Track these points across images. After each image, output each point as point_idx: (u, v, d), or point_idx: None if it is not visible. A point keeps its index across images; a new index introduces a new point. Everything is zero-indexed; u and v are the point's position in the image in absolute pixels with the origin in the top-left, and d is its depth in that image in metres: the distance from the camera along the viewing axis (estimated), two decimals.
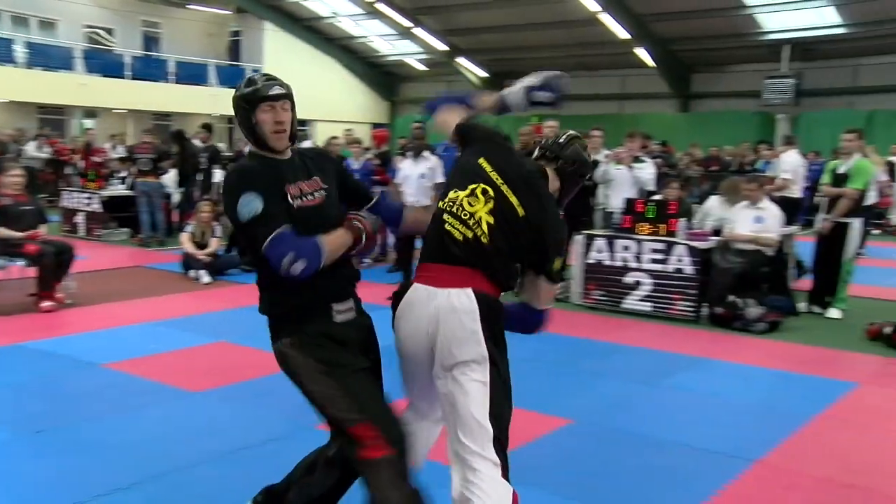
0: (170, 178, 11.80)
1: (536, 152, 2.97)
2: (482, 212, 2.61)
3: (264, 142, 2.59)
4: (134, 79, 23.44)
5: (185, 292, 7.95)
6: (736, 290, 6.91)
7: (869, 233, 12.83)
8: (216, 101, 24.09)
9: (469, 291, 2.52)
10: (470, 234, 2.59)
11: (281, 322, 2.67)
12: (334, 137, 11.72)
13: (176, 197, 11.93)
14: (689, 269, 7.02)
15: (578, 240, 7.68)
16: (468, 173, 2.71)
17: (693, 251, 7.01)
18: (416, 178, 8.54)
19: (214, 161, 11.12)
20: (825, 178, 7.61)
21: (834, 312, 7.29)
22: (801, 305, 7.44)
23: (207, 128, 11.67)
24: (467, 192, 2.65)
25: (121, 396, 4.69)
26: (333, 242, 2.49)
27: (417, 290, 2.57)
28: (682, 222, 7.28)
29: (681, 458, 3.95)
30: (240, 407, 4.59)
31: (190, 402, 4.66)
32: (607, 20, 20.41)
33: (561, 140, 2.96)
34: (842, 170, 7.28)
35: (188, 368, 5.35)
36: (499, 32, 23.83)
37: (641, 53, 21.94)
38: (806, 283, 7.79)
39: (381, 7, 23.43)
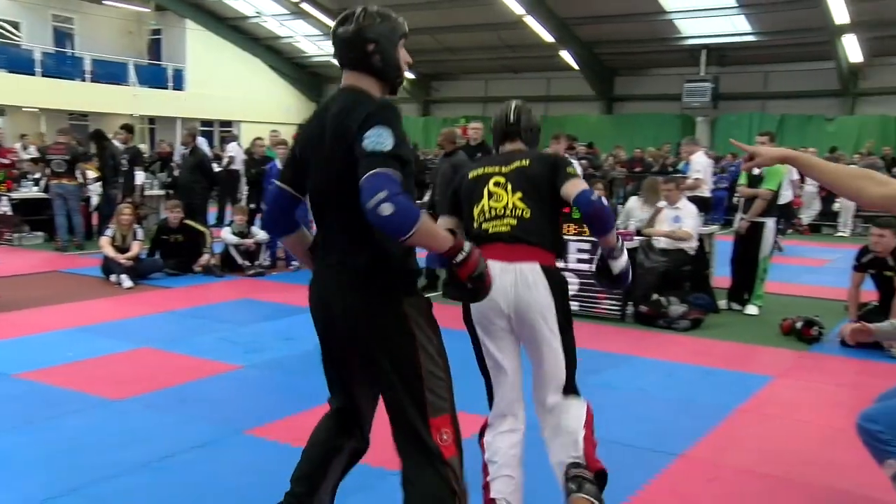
0: (90, 180, 11.40)
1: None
2: (512, 199, 3.02)
3: (399, 79, 2.59)
4: (45, 76, 22.48)
5: (106, 297, 7.69)
6: (660, 289, 7.10)
7: (784, 231, 13.35)
8: (136, 101, 23.39)
9: (536, 266, 2.92)
10: (514, 221, 2.98)
11: (400, 281, 2.39)
12: (259, 138, 11.55)
13: (95, 199, 11.54)
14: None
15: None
16: (470, 189, 3.13)
17: None
18: None
19: (136, 162, 10.80)
20: (741, 180, 7.89)
21: (751, 309, 7.56)
22: (722, 303, 7.70)
23: (128, 128, 11.34)
24: (485, 197, 3.06)
25: (35, 407, 4.50)
26: (432, 229, 2.23)
27: (492, 266, 2.47)
28: None
29: (607, 454, 4.00)
30: (164, 414, 4.46)
31: (111, 411, 4.50)
32: (532, 23, 20.69)
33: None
34: (756, 171, 7.56)
35: (109, 376, 5.17)
36: (426, 34, 23.85)
37: (566, 56, 22.33)
38: (726, 280, 8.06)
39: (307, 7, 23.17)
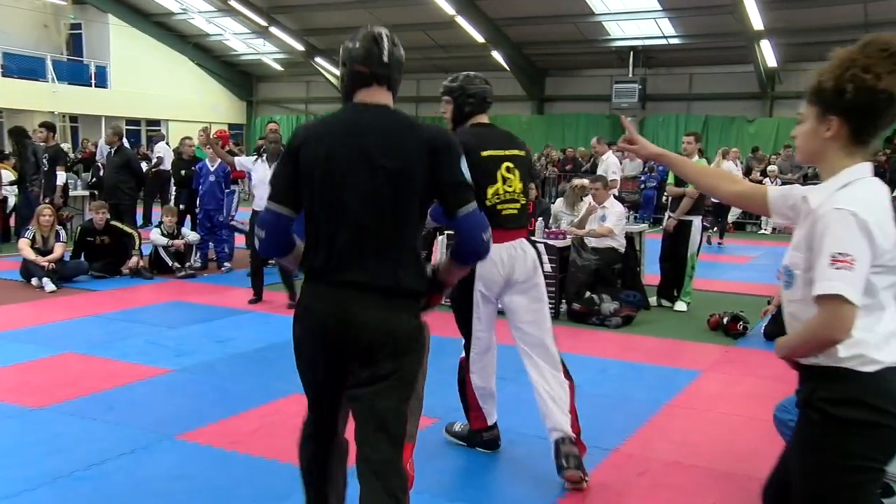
0: (6, 178, 10.94)
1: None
2: (519, 186, 3.74)
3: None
4: None
5: (26, 302, 7.40)
6: (592, 287, 7.23)
7: (710, 229, 13.75)
8: (56, 98, 22.52)
9: (524, 241, 3.78)
10: (519, 206, 3.73)
11: (418, 301, 2.49)
12: (188, 137, 11.27)
13: (12, 200, 11.08)
14: (547, 266, 7.24)
15: (441, 240, 7.78)
16: (482, 169, 3.50)
17: (551, 249, 7.26)
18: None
19: (57, 162, 10.39)
20: (670, 179, 8.10)
21: (680, 305, 7.77)
22: (652, 300, 7.88)
23: (49, 126, 10.88)
24: (500, 180, 3.67)
25: None
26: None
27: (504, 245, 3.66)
28: (539, 222, 7.52)
29: (542, 451, 4.07)
30: (90, 421, 4.32)
31: (31, 420, 4.34)
32: (463, 23, 20.79)
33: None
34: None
35: (29, 383, 4.98)
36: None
37: (497, 57, 22.52)
38: (656, 278, 8.26)
39: (235, 5, 22.74)
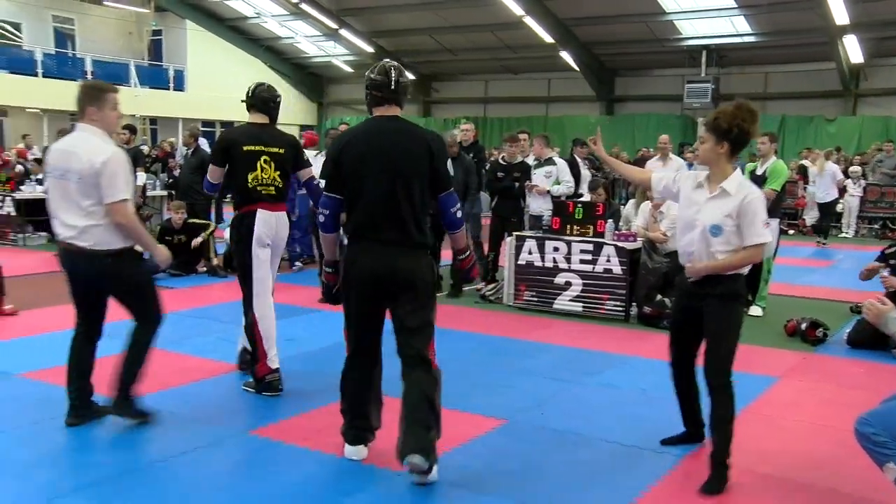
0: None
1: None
2: (273, 174, 4.90)
3: None
4: (46, 77, 22.49)
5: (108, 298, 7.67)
6: (663, 290, 7.09)
7: (825, 232, 13.50)
8: (137, 101, 23.37)
9: (283, 214, 5.03)
10: (274, 189, 4.87)
11: (430, 251, 3.74)
12: None
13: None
14: (617, 269, 7.17)
15: (509, 241, 7.76)
16: (243, 160, 4.83)
17: (621, 252, 7.16)
18: None
19: (137, 163, 10.77)
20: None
21: (755, 310, 7.55)
22: None
23: (131, 129, 11.28)
24: (258, 169, 4.83)
25: (39, 408, 4.49)
26: (465, 232, 3.95)
27: None
28: (609, 223, 7.43)
29: (611, 455, 4.03)
30: (170, 414, 4.45)
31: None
32: (532, 24, 20.69)
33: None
34: (759, 171, 7.56)
35: (111, 376, 5.16)
36: (425, 35, 23.87)
37: (566, 57, 22.33)
38: None
39: (306, 8, 23.16)
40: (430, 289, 3.63)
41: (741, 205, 3.57)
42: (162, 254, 4.33)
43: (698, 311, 3.76)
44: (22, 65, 22.35)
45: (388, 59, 3.75)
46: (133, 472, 3.66)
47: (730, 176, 3.65)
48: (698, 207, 3.69)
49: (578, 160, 10.17)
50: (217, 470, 3.78)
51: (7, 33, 23.66)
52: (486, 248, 8.83)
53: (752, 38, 20.24)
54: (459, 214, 3.71)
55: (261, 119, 4.94)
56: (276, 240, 4.92)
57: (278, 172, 4.84)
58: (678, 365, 4.07)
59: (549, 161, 8.60)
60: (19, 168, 13.89)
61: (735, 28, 19.99)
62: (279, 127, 5.07)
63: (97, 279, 4.12)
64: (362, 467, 3.76)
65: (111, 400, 4.19)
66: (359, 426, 3.77)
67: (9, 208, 11.51)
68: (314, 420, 4.42)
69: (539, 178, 8.44)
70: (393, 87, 3.62)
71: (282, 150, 4.86)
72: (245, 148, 4.73)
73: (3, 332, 6.32)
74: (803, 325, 6.56)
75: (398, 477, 3.66)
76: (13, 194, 11.67)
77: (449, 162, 3.74)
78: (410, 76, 27.13)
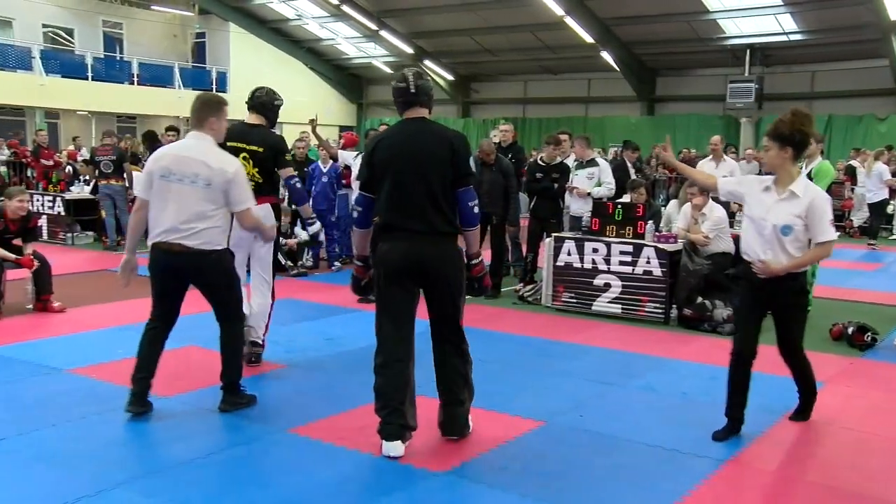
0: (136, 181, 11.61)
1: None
2: (252, 170, 5.33)
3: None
4: (95, 80, 23.03)
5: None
6: (704, 292, 7.00)
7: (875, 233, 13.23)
8: (181, 103, 23.79)
9: (269, 206, 5.50)
10: (254, 183, 5.06)
11: (452, 238, 3.95)
12: (300, 139, 11.64)
13: None
14: (657, 271, 7.09)
15: (548, 242, 7.72)
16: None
17: (661, 253, 7.08)
18: None
19: None
20: None
21: None
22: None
23: (175, 130, 11.49)
24: None
25: (87, 402, 4.60)
26: (479, 232, 4.11)
27: None
28: (649, 225, 7.35)
29: (650, 459, 3.99)
30: (210, 411, 4.53)
31: (159, 407, 4.58)
32: (572, 24, 20.57)
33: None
34: (804, 172, 7.42)
35: (156, 373, 5.26)
36: (465, 35, 23.89)
37: (606, 57, 22.15)
38: None
39: (347, 10, 23.34)
40: (458, 274, 3.93)
41: (809, 205, 3.96)
42: (271, 229, 5.00)
43: (767, 305, 4.20)
44: (74, 69, 22.95)
45: (408, 67, 4.16)
46: (175, 467, 3.73)
47: (796, 179, 4.06)
48: (767, 209, 4.05)
49: (628, 163, 10.04)
50: (256, 467, 3.83)
51: (61, 39, 24.30)
52: (524, 249, 8.81)
53: (799, 36, 19.85)
54: (476, 210, 3.91)
55: (257, 120, 5.50)
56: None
57: (257, 169, 5.32)
58: (742, 355, 4.25)
59: (592, 162, 8.54)
60: (69, 169, 14.23)
61: (781, 26, 19.62)
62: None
63: (197, 275, 4.37)
64: (400, 466, 3.78)
65: (222, 397, 4.54)
66: (394, 422, 3.85)
67: (59, 208, 11.81)
68: (352, 419, 4.45)
69: (581, 179, 8.39)
70: (413, 90, 3.88)
71: (261, 149, 5.32)
72: (228, 144, 5.10)
73: (53, 329, 6.48)
74: (850, 330, 6.41)
75: (435, 477, 3.67)
76: (63, 195, 11.96)
77: (472, 162, 3.97)
78: (449, 76, 27.30)
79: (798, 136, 4.01)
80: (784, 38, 20.06)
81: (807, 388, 4.51)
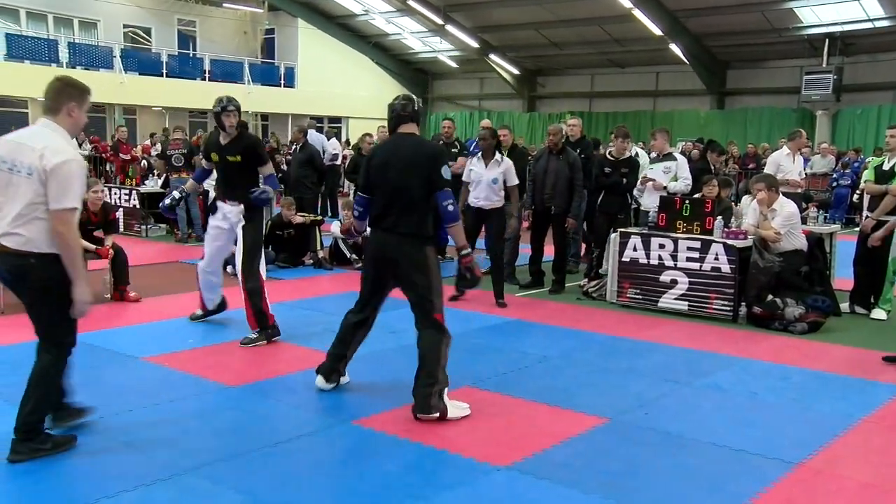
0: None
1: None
2: None
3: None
4: (170, 77, 23.75)
5: (223, 288, 8.01)
6: (774, 290, 6.80)
7: None
8: (250, 98, 24.33)
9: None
10: None
11: (430, 240, 4.49)
12: (368, 134, 11.77)
13: (212, 193, 12.04)
14: (726, 267, 6.93)
15: (613, 238, 7.62)
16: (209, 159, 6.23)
17: (730, 250, 6.91)
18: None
19: None
20: (868, 175, 7.45)
21: (878, 313, 7.13)
22: (844, 306, 7.30)
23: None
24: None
25: (160, 390, 4.76)
26: (460, 229, 4.57)
27: None
28: (718, 221, 7.18)
29: (716, 459, 3.90)
30: (275, 401, 4.63)
31: (225, 396, 4.71)
32: (640, 16, 20.20)
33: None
34: (886, 167, 7.13)
35: (225, 363, 5.42)
36: (531, 29, 23.71)
37: (675, 49, 21.69)
38: (847, 282, 7.63)
39: (414, 4, 23.45)
40: (417, 270, 4.40)
41: None
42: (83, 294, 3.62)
43: None
44: (150, 66, 23.70)
45: (403, 93, 4.92)
46: (242, 455, 3.82)
47: None
48: None
49: (713, 167, 9.68)
50: (320, 457, 3.89)
51: (139, 38, 25.15)
52: (581, 245, 8.71)
53: (886, 23, 18.92)
54: (451, 208, 4.40)
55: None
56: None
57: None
58: None
59: (669, 156, 8.39)
60: (143, 163, 14.70)
61: (866, 12, 18.78)
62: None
63: (16, 282, 3.72)
64: (462, 460, 3.79)
65: (12, 444, 3.67)
66: (326, 363, 4.78)
67: (134, 201, 12.22)
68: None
69: (657, 172, 8.23)
70: (403, 112, 4.58)
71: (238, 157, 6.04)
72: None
73: (129, 318, 6.72)
74: None
75: (497, 471, 3.67)
76: (138, 188, 12.37)
77: (446, 169, 4.42)
78: (515, 71, 27.12)
79: None
80: (869, 24, 19.20)
81: None
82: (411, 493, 3.45)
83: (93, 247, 7.20)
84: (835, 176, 15.84)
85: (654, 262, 7.28)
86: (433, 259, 4.47)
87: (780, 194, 7.21)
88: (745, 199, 8.13)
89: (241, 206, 5.92)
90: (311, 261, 9.53)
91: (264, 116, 26.77)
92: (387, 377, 5.20)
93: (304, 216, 9.66)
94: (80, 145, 16.76)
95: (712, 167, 9.49)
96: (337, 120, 27.94)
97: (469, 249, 4.58)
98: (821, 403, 4.83)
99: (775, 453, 3.96)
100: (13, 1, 22.32)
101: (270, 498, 3.37)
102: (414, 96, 4.77)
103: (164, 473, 3.55)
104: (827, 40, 20.04)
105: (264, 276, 6.02)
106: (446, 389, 4.39)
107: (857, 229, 7.50)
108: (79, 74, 21.58)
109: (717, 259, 6.97)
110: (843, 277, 7.83)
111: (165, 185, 12.11)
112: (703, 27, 21.26)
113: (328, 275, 9.12)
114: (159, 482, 3.47)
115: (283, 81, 26.72)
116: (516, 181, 7.55)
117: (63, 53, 21.93)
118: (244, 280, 5.88)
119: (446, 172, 4.42)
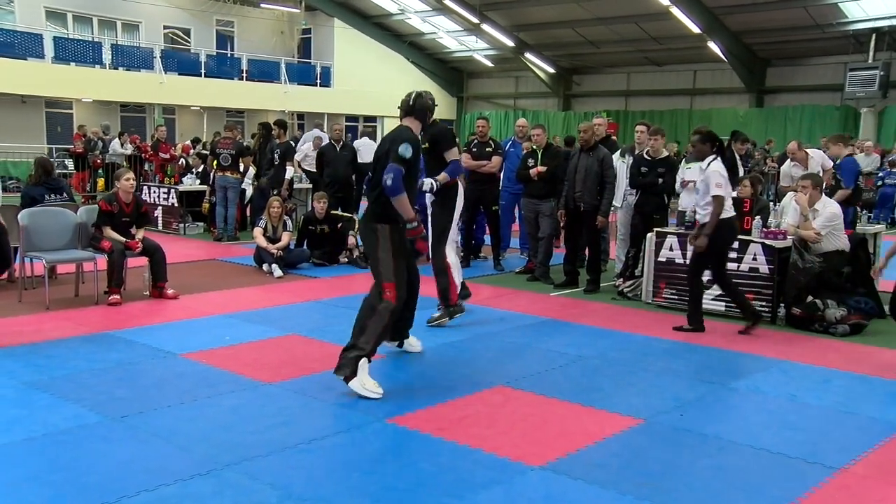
0: (249, 173, 12.03)
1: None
2: None
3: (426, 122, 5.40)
4: (208, 77, 24.07)
5: (258, 286, 8.12)
6: (815, 291, 6.68)
7: None
8: (286, 97, 24.57)
9: None
10: None
11: (384, 218, 4.88)
12: None
13: (249, 192, 12.18)
14: (764, 268, 6.82)
15: (650, 238, 7.55)
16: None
17: (768, 250, 6.81)
18: None
19: (287, 157, 11.27)
20: None
21: None
22: (888, 308, 7.13)
23: (281, 125, 11.80)
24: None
25: (198, 386, 4.83)
26: (405, 202, 4.82)
27: None
28: (756, 220, 7.07)
29: (755, 462, 3.85)
30: (311, 399, 4.67)
31: (263, 394, 4.76)
32: (678, 14, 19.96)
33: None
34: None
35: (261, 360, 5.47)
36: (567, 27, 23.58)
37: (713, 47, 21.40)
38: (891, 284, 7.46)
39: (449, 3, 23.45)
40: (369, 244, 4.98)
41: None
42: None
43: None
44: (188, 66, 24.06)
45: (416, 90, 5.36)
46: (279, 451, 3.86)
47: None
48: None
49: (737, 157, 9.58)
50: (355, 455, 3.91)
51: (179, 38, 25.53)
52: (611, 243, 8.61)
53: None
54: (389, 182, 4.73)
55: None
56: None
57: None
58: None
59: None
60: (182, 162, 14.92)
61: None
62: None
63: None
64: (497, 459, 3.79)
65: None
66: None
67: (173, 199, 12.40)
68: (451, 410, 4.49)
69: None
70: (404, 107, 5.19)
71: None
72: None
73: (168, 315, 6.83)
74: None
75: (532, 471, 3.66)
76: (177, 187, 12.56)
77: (407, 146, 4.83)
78: (550, 69, 26.94)
79: None
80: None
81: None
82: (446, 492, 3.45)
83: (122, 239, 7.29)
84: (880, 175, 15.51)
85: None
86: (383, 235, 4.86)
87: (825, 195, 7.08)
88: (787, 196, 7.99)
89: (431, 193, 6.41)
90: (346, 259, 9.59)
91: (300, 115, 26.99)
92: (421, 376, 5.21)
93: (340, 215, 9.73)
94: (121, 145, 17.10)
95: (737, 156, 9.37)
96: (373, 119, 28.08)
97: (415, 224, 4.86)
98: (865, 407, 4.73)
99: (817, 457, 3.89)
100: (62, 5, 22.81)
101: (307, 494, 3.40)
102: (418, 92, 5.27)
103: (202, 468, 3.60)
104: (874, 35, 19.56)
105: (451, 260, 6.45)
106: (364, 359, 4.70)
107: None
108: (120, 75, 22.05)
109: (755, 259, 6.86)
110: (888, 280, 7.65)
111: (204, 181, 12.28)
112: (742, 24, 20.94)
113: (363, 273, 9.15)
114: (198, 477, 3.52)
115: (319, 81, 26.92)
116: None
117: (106, 55, 22.36)
118: (433, 261, 6.48)
119: (405, 150, 4.80)
